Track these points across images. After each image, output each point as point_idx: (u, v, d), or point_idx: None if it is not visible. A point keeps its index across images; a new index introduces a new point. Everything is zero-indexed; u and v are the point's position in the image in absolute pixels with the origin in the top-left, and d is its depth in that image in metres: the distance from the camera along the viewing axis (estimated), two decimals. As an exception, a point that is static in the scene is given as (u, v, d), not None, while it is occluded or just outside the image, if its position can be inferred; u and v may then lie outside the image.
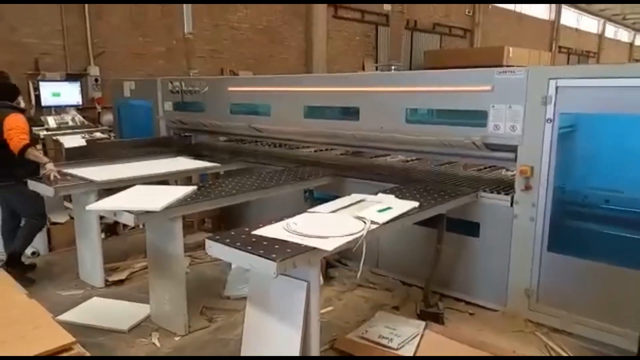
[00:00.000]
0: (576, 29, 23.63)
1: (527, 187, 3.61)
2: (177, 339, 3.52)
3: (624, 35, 28.32)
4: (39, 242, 5.14)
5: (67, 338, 2.13)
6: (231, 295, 4.12)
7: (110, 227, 5.62)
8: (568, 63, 21.73)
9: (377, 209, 3.09)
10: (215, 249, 2.62)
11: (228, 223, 5.68)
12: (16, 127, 4.20)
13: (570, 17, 22.67)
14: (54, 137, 6.49)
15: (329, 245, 2.50)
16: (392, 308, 3.88)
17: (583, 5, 22.55)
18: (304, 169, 4.75)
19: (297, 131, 5.15)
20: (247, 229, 2.74)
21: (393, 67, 4.76)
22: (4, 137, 4.21)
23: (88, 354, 2.19)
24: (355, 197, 3.44)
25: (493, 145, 3.83)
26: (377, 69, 13.21)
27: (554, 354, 3.26)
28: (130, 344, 3.46)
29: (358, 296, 4.14)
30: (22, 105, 4.67)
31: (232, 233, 2.73)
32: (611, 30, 26.66)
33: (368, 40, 13.66)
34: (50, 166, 4.22)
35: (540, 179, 3.55)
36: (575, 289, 3.47)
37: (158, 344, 3.45)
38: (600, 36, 25.70)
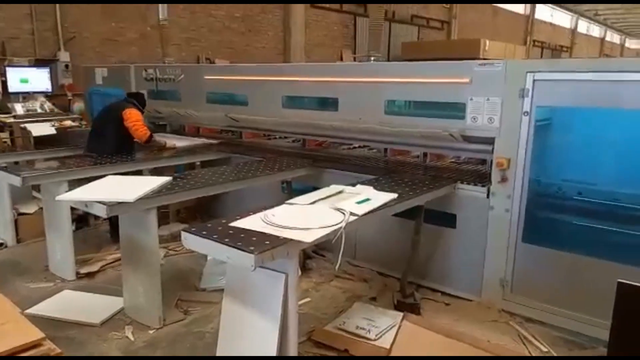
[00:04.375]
0: (550, 24, 24.03)
1: (503, 179, 3.64)
2: (151, 332, 3.45)
3: (595, 30, 28.95)
4: (6, 233, 4.98)
5: (36, 334, 2.05)
6: (207, 288, 4.07)
7: (82, 218, 5.46)
8: (542, 57, 22.09)
9: (356, 201, 3.08)
10: (192, 241, 2.56)
11: (204, 214, 5.60)
12: (138, 121, 4.87)
13: (544, 11, 23.02)
14: (22, 125, 6.25)
15: (308, 237, 2.47)
16: (370, 299, 3.89)
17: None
18: (282, 159, 4.69)
19: (275, 121, 5.09)
20: (224, 221, 2.69)
21: (372, 58, 4.72)
22: (126, 126, 4.84)
23: (59, 350, 2.11)
24: (334, 188, 3.42)
25: (471, 138, 3.85)
26: (355, 59, 13.15)
27: (527, 344, 3.32)
28: (103, 337, 3.37)
29: (335, 287, 4.13)
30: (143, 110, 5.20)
31: (209, 225, 2.67)
32: (584, 26, 27.21)
33: (346, 30, 13.58)
34: (169, 143, 5.22)
35: (516, 171, 3.59)
36: (549, 279, 3.53)
37: (132, 338, 3.37)
38: (573, 31, 26.20)
